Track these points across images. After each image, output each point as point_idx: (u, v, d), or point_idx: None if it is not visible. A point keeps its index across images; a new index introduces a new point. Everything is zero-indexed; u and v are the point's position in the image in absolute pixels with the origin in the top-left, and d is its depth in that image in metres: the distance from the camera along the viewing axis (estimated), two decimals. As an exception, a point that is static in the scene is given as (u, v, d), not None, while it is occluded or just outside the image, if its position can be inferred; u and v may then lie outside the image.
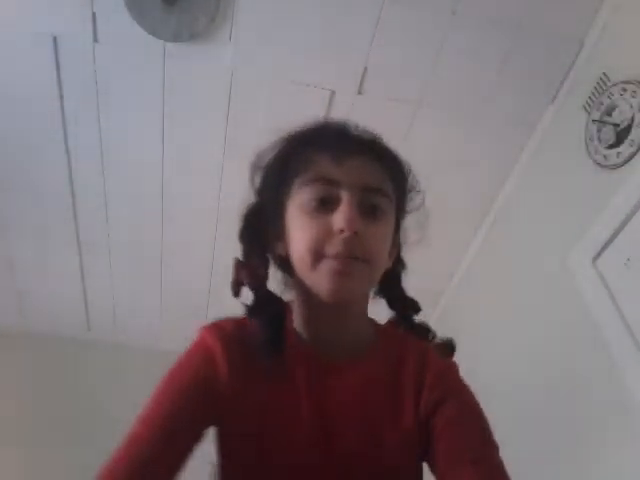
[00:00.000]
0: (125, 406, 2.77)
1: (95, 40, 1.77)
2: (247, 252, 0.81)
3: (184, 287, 2.50)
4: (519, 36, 1.77)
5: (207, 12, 1.71)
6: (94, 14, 1.72)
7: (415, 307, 0.86)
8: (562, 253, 1.66)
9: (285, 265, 0.79)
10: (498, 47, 1.80)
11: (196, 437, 0.73)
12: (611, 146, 1.56)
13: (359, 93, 1.89)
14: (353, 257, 0.70)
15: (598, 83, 1.67)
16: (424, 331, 0.85)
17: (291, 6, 1.74)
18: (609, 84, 1.63)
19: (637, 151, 1.48)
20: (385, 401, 0.76)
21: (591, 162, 1.63)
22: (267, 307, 0.77)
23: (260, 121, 1.96)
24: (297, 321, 0.79)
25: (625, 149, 1.51)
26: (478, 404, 0.77)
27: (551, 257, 1.74)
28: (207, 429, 0.74)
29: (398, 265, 0.87)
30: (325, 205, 0.72)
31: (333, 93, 1.90)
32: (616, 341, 1.40)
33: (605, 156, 1.58)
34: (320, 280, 0.71)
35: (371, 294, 0.82)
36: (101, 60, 1.81)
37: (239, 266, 0.81)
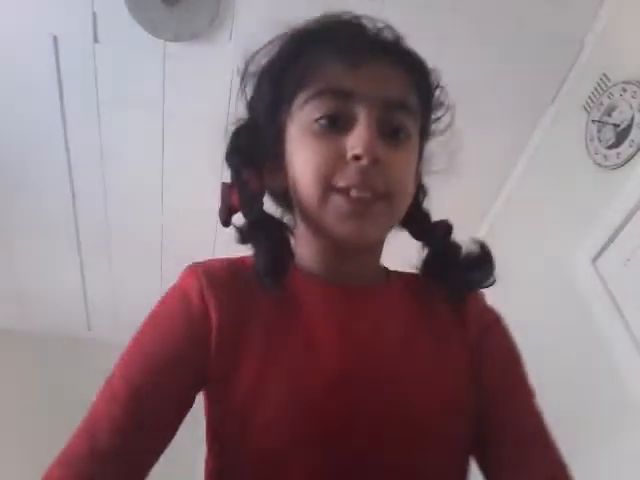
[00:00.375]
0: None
1: (95, 40, 1.77)
2: (237, 171, 0.65)
3: (184, 287, 2.50)
4: (519, 36, 1.77)
5: (207, 12, 1.71)
6: (94, 14, 1.72)
7: (447, 228, 0.68)
8: (562, 253, 1.66)
9: (285, 200, 0.65)
10: (498, 47, 1.80)
11: (182, 402, 0.58)
12: (611, 146, 1.56)
13: (359, 93, 1.89)
14: (371, 192, 0.56)
15: (598, 83, 1.67)
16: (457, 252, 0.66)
17: (291, 6, 1.73)
18: (609, 84, 1.63)
19: (637, 151, 1.48)
20: (429, 325, 0.62)
21: (591, 162, 1.63)
22: (264, 228, 0.62)
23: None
24: (302, 255, 0.65)
25: (625, 149, 1.51)
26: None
27: (551, 257, 1.74)
28: (193, 394, 0.59)
29: (419, 193, 0.70)
30: (337, 124, 0.57)
31: (333, 93, 1.90)
32: (616, 341, 1.40)
33: (605, 156, 1.58)
34: (329, 220, 0.57)
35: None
36: (101, 60, 1.81)
37: (228, 189, 0.64)
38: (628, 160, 1.50)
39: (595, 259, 1.52)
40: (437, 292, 0.65)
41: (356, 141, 0.55)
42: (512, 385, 0.64)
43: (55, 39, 1.77)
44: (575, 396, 1.52)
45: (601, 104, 1.63)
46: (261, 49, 0.67)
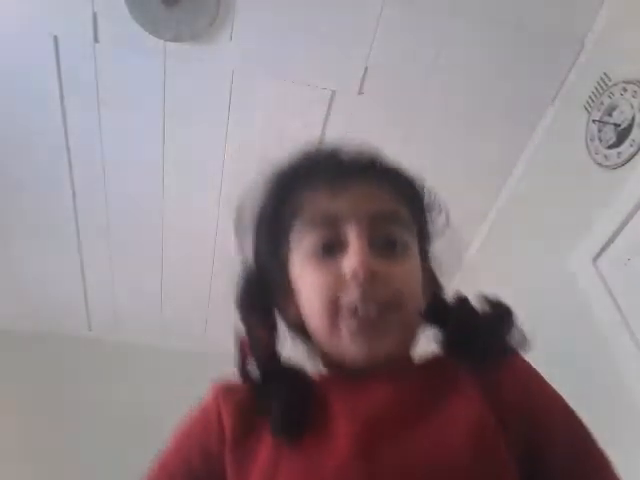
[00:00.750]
0: (126, 405, 2.79)
1: (95, 40, 1.77)
2: (248, 325, 0.67)
3: (184, 287, 2.50)
4: (519, 36, 1.77)
5: (207, 12, 1.71)
6: (94, 14, 1.72)
7: (461, 303, 0.65)
8: (562, 253, 1.66)
9: (300, 330, 0.65)
10: (498, 47, 1.80)
11: None
12: (612, 146, 1.56)
13: (359, 93, 1.89)
14: (376, 305, 0.56)
15: (598, 83, 1.67)
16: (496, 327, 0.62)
17: (291, 6, 1.73)
18: (610, 84, 1.63)
19: (638, 151, 1.47)
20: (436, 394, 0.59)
21: (591, 162, 1.63)
22: (280, 385, 0.61)
23: (260, 121, 1.96)
24: (324, 367, 0.65)
25: (626, 149, 1.51)
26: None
27: (551, 257, 1.74)
28: None
29: (435, 292, 0.69)
30: (331, 250, 0.59)
31: (333, 93, 1.90)
32: (616, 341, 1.40)
33: (606, 156, 1.58)
34: (344, 345, 0.58)
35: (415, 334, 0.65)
36: (101, 60, 1.81)
37: (242, 344, 0.67)
38: (629, 160, 1.50)
39: (595, 259, 1.52)
40: (462, 368, 0.61)
41: (350, 260, 0.57)
42: (591, 469, 0.59)
43: (55, 39, 1.77)
44: (575, 396, 1.52)
45: (601, 104, 1.63)
46: (249, 198, 0.68)
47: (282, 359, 0.65)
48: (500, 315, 0.62)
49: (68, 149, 2.03)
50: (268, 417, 0.59)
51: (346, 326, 0.58)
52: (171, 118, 1.95)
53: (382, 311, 0.57)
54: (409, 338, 0.63)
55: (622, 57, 1.64)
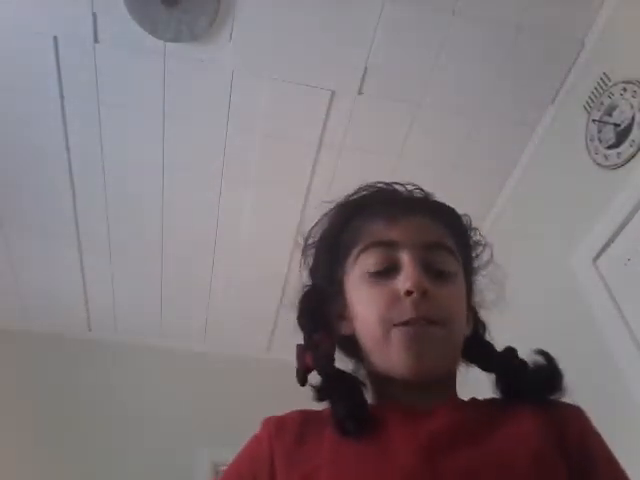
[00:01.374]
0: (125, 405, 2.79)
1: (95, 40, 1.77)
2: (309, 333, 0.72)
3: (184, 287, 2.50)
4: (519, 36, 1.77)
5: (207, 12, 1.71)
6: (94, 14, 1.72)
7: (511, 354, 0.70)
8: (562, 253, 1.66)
9: (352, 346, 0.70)
10: (498, 47, 1.80)
11: None
12: (611, 146, 1.56)
13: (359, 93, 1.89)
14: (425, 321, 0.62)
15: (598, 83, 1.67)
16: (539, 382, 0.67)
17: (291, 7, 1.73)
18: (609, 84, 1.63)
19: (637, 151, 1.47)
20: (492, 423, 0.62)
21: (591, 162, 1.63)
22: (339, 382, 0.66)
23: (260, 121, 1.96)
24: (373, 394, 0.69)
25: (625, 149, 1.51)
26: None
27: (551, 257, 1.74)
28: None
29: (478, 328, 0.75)
30: (386, 272, 0.65)
31: (333, 93, 1.90)
32: (616, 341, 1.40)
33: (605, 156, 1.57)
34: (393, 353, 0.62)
35: (458, 373, 0.70)
36: (101, 60, 1.81)
37: (302, 351, 0.71)
38: (628, 160, 1.49)
39: (595, 259, 1.52)
40: (519, 404, 0.66)
41: (405, 279, 0.63)
42: None
43: (55, 39, 1.77)
44: (575, 396, 1.52)
45: (601, 104, 1.63)
46: (316, 224, 0.76)
47: (339, 368, 0.70)
48: (550, 369, 0.69)
49: (68, 149, 2.03)
50: (331, 420, 0.63)
51: (397, 337, 0.62)
52: (171, 118, 1.95)
53: (430, 327, 0.62)
54: (452, 359, 0.67)
55: (622, 57, 1.64)
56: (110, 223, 2.26)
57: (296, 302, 0.75)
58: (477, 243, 0.77)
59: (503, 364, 0.70)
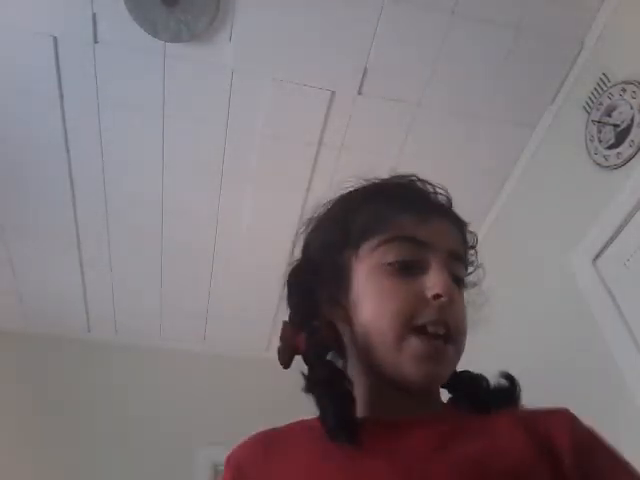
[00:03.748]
0: (125, 406, 2.78)
1: (95, 40, 1.77)
2: (305, 316, 0.67)
3: (184, 287, 2.50)
4: (519, 36, 1.77)
5: (207, 12, 1.71)
6: (94, 14, 1.72)
7: (482, 382, 0.68)
8: (562, 253, 1.66)
9: (335, 337, 0.66)
10: (498, 47, 1.80)
11: None
12: (611, 146, 1.56)
13: (359, 93, 1.89)
14: (445, 329, 0.60)
15: (598, 83, 1.67)
16: (503, 397, 0.66)
17: (291, 7, 1.74)
18: (609, 84, 1.63)
19: (637, 152, 1.48)
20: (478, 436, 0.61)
21: (591, 162, 1.63)
22: (336, 385, 0.61)
23: (260, 121, 1.96)
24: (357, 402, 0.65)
25: (625, 149, 1.51)
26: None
27: (551, 257, 1.74)
28: None
29: None
30: (410, 269, 0.62)
31: (333, 93, 1.90)
32: (616, 341, 1.40)
33: (605, 156, 1.58)
34: (404, 361, 0.59)
35: None
36: (101, 60, 1.81)
37: (291, 330, 0.67)
38: (628, 160, 1.50)
39: (595, 259, 1.52)
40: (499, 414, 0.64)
41: (436, 282, 0.61)
42: None
43: (55, 39, 1.77)
44: (575, 396, 1.52)
45: (601, 104, 1.63)
46: (322, 204, 0.73)
47: (332, 362, 0.66)
48: (509, 389, 0.67)
49: (68, 149, 2.03)
50: (305, 434, 0.62)
51: (412, 348, 0.60)
52: (171, 118, 1.95)
53: (445, 341, 0.61)
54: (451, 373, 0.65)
55: (622, 57, 1.64)
56: (110, 224, 2.26)
57: (285, 275, 0.70)
58: (472, 262, 0.75)
59: (458, 387, 0.68)
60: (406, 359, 0.60)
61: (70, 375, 2.59)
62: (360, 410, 0.63)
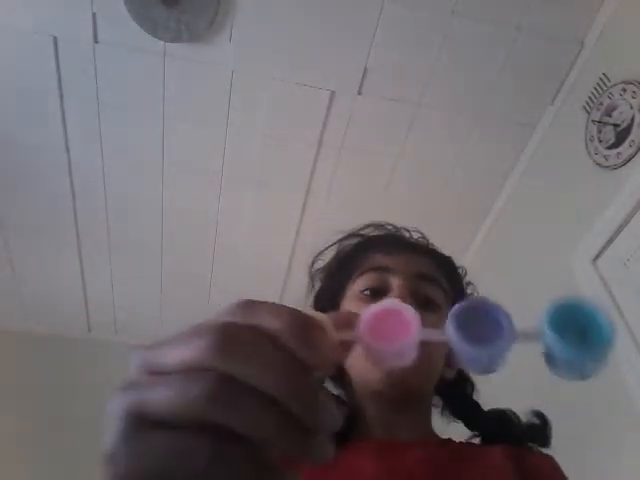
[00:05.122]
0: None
1: (95, 40, 1.77)
2: None
3: (184, 287, 2.50)
4: (519, 36, 1.77)
5: (207, 13, 1.71)
6: (94, 14, 1.72)
7: (502, 420, 0.72)
8: (562, 253, 1.66)
9: (339, 371, 0.73)
10: (498, 47, 1.80)
11: None
12: (611, 146, 1.56)
13: (359, 93, 1.89)
14: None
15: (598, 83, 1.67)
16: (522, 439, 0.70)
17: (291, 7, 1.74)
18: (609, 84, 1.63)
19: (637, 152, 1.48)
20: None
21: (591, 162, 1.63)
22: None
23: (260, 121, 1.96)
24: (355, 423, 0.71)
25: (625, 149, 1.51)
26: None
27: (551, 257, 1.74)
28: None
29: (465, 381, 0.78)
30: (378, 294, 0.70)
31: (333, 93, 1.90)
32: (616, 341, 1.40)
33: (605, 156, 1.58)
34: (368, 370, 0.65)
35: (431, 402, 0.73)
36: (101, 60, 1.81)
37: None
38: (628, 160, 1.50)
39: (595, 259, 1.52)
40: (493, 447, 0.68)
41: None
42: None
43: (55, 39, 1.77)
44: (575, 396, 1.52)
45: (601, 104, 1.63)
46: (323, 251, 0.83)
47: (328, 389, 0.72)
48: (541, 428, 0.72)
49: (68, 149, 2.03)
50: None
51: None
52: (171, 118, 1.95)
53: None
54: (425, 380, 0.68)
55: (622, 57, 1.64)
56: (110, 223, 2.26)
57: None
58: (470, 293, 0.82)
59: (492, 427, 0.72)
60: (369, 365, 0.63)
61: (70, 375, 2.59)
62: (367, 430, 0.68)
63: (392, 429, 0.67)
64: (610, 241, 1.49)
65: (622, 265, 1.45)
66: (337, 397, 0.72)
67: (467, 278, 0.83)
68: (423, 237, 0.82)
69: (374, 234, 0.82)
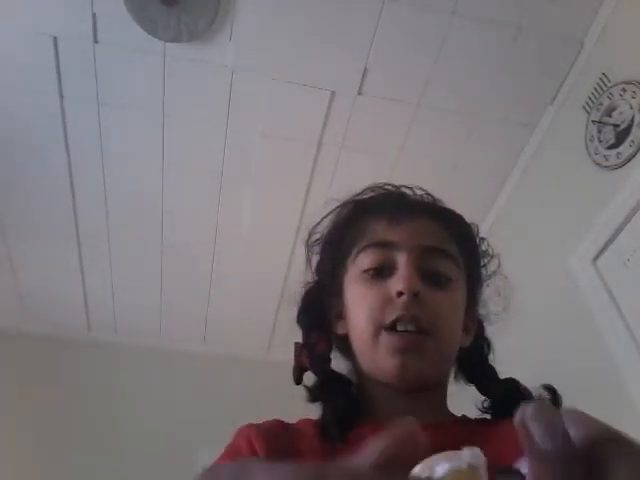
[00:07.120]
0: (125, 406, 2.78)
1: (95, 40, 1.77)
2: (306, 333, 0.71)
3: (184, 287, 2.50)
4: (519, 36, 1.77)
5: (207, 12, 1.71)
6: (94, 14, 1.72)
7: (512, 390, 0.68)
8: (562, 253, 1.66)
9: (346, 347, 0.69)
10: (498, 47, 1.80)
11: None
12: (611, 146, 1.56)
13: (359, 93, 1.89)
14: (415, 326, 0.61)
15: (598, 83, 1.67)
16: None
17: (291, 7, 1.74)
18: (609, 84, 1.63)
19: (637, 152, 1.48)
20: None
21: (591, 162, 1.63)
22: (332, 387, 0.65)
23: (260, 121, 1.96)
24: (362, 400, 0.67)
25: (625, 149, 1.51)
26: None
27: (551, 257, 1.74)
28: None
29: (482, 343, 0.74)
30: (382, 272, 0.65)
31: (333, 93, 1.90)
32: (616, 341, 1.40)
33: (605, 156, 1.58)
34: (380, 357, 0.62)
35: (449, 381, 0.69)
36: (101, 60, 1.81)
37: (300, 350, 0.71)
38: (628, 160, 1.50)
39: (595, 259, 1.52)
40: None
41: (397, 280, 0.62)
42: None
43: (55, 39, 1.77)
44: (575, 396, 1.52)
45: (601, 104, 1.63)
46: (320, 221, 0.75)
47: (334, 369, 0.69)
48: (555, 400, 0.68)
49: (68, 149, 2.03)
50: (310, 430, 0.62)
51: (384, 343, 0.62)
52: (171, 118, 1.95)
53: (420, 334, 0.61)
54: (441, 369, 0.66)
55: (621, 57, 1.64)
56: (110, 223, 2.26)
57: (298, 298, 0.73)
58: (484, 253, 0.76)
59: (502, 394, 0.68)
60: (381, 354, 0.62)
61: (70, 375, 2.59)
62: (378, 416, 0.64)
63: (405, 415, 0.62)
64: (610, 241, 1.49)
65: (622, 265, 1.45)
66: (343, 379, 0.67)
67: (481, 239, 0.76)
68: (428, 194, 0.74)
69: (374, 197, 0.73)
